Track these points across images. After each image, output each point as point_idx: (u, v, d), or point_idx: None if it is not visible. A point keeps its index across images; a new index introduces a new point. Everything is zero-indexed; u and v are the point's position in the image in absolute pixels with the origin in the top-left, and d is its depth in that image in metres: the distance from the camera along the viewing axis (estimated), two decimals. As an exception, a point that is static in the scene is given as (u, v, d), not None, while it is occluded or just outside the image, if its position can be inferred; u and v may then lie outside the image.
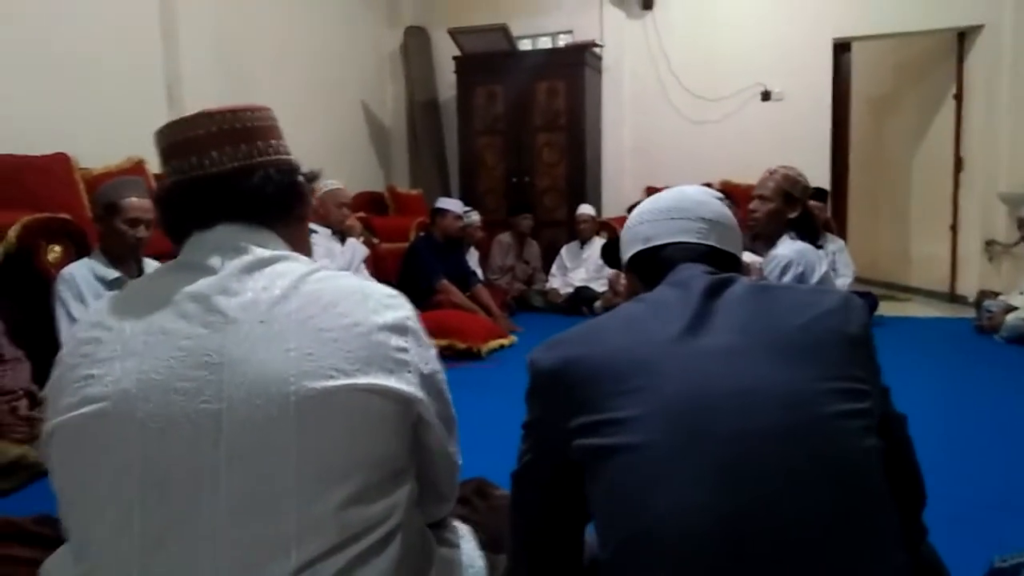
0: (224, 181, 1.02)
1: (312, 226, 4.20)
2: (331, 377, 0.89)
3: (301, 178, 1.11)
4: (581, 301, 5.71)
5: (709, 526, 0.81)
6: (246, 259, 0.97)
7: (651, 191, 6.33)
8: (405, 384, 0.95)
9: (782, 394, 0.87)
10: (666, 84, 6.75)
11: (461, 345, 4.05)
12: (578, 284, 5.95)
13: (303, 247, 1.12)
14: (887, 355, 3.77)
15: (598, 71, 6.78)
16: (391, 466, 0.95)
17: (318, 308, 0.94)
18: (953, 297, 6.28)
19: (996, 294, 5.15)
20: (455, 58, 6.74)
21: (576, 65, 6.46)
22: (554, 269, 6.24)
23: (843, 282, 5.33)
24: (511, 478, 1.08)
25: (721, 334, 0.93)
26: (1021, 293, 4.84)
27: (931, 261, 6.61)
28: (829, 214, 5.87)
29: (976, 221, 6.09)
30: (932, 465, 2.53)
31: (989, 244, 5.97)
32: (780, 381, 0.88)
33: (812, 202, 5.42)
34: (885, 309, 5.54)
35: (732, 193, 5.87)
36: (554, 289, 6.04)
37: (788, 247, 2.61)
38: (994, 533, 1.88)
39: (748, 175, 6.30)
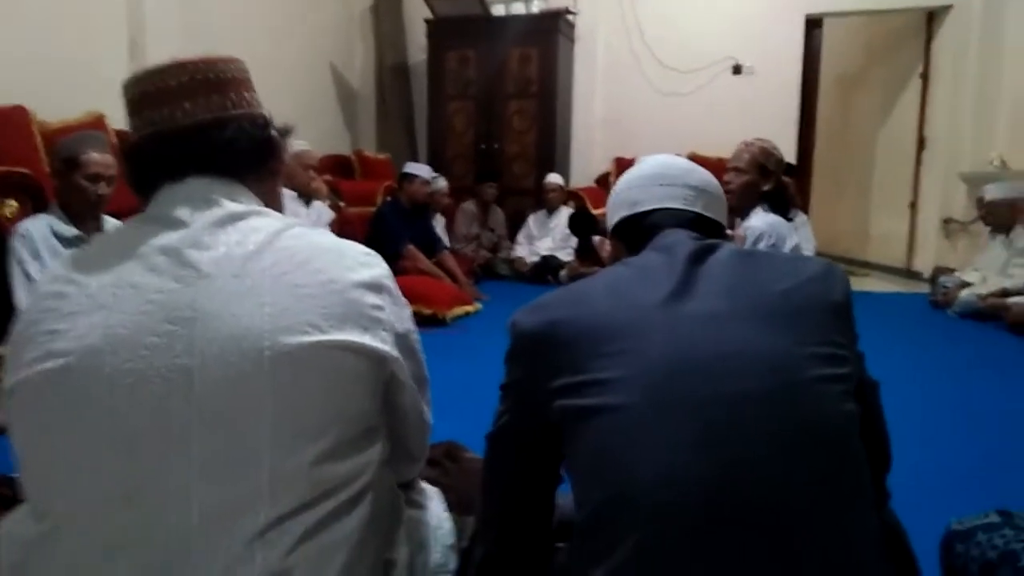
0: (197, 133, 0.99)
1: (278, 187, 4.13)
2: (306, 333, 0.88)
3: (274, 132, 1.09)
4: (547, 270, 5.72)
5: (690, 489, 0.82)
6: (218, 213, 0.95)
7: (620, 162, 6.37)
8: (380, 342, 0.94)
9: (765, 358, 0.87)
10: (639, 55, 6.72)
11: (426, 311, 4.03)
12: (544, 253, 5.95)
13: (276, 203, 1.10)
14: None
15: (571, 39, 6.72)
16: (364, 423, 0.94)
17: (293, 264, 0.92)
18: (910, 273, 6.42)
19: (951, 271, 5.28)
20: (427, 21, 6.63)
21: (549, 32, 6.39)
22: (520, 237, 6.23)
23: (805, 255, 5.42)
24: (486, 439, 1.08)
25: (706, 299, 0.93)
26: (975, 270, 4.96)
27: (890, 238, 6.75)
28: (794, 189, 5.93)
29: (935, 199, 6.21)
30: (890, 434, 2.60)
31: (947, 222, 6.10)
32: (763, 346, 0.88)
33: (786, 177, 5.53)
34: (845, 284, 5.62)
35: (702, 165, 5.91)
36: (520, 258, 6.04)
37: (760, 219, 2.65)
38: (947, 500, 1.94)
39: (717, 148, 6.35)
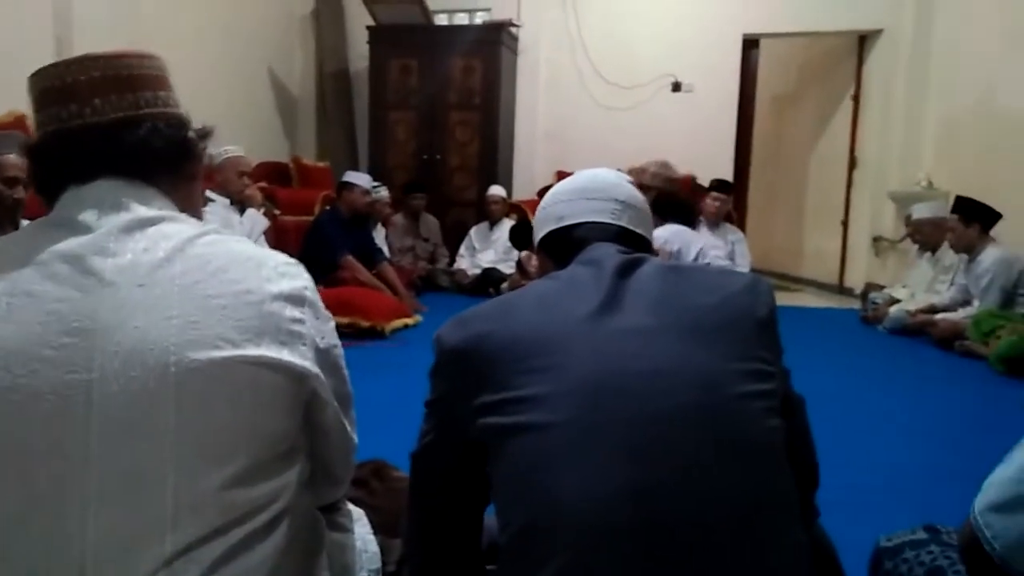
0: (107, 132, 0.93)
1: (209, 194, 4.01)
2: (217, 347, 0.83)
3: (192, 134, 1.03)
4: (489, 283, 5.69)
5: (615, 510, 0.80)
6: (126, 217, 0.89)
7: (562, 175, 6.39)
8: (299, 358, 0.89)
9: (692, 375, 0.86)
10: (581, 69, 6.78)
11: (364, 323, 3.96)
12: (486, 265, 5.93)
13: (193, 208, 1.04)
14: (784, 342, 3.87)
15: (514, 52, 6.75)
16: (281, 445, 0.90)
17: (206, 273, 0.87)
18: (841, 289, 6.60)
19: (881, 287, 5.45)
20: (369, 28, 6.57)
21: (493, 44, 6.40)
22: (462, 250, 6.20)
23: (740, 271, 5.51)
24: (410, 458, 1.04)
25: (633, 314, 0.92)
26: (904, 286, 5.12)
27: (822, 254, 6.92)
28: (731, 206, 6.04)
29: (866, 217, 6.41)
30: (819, 450, 2.63)
31: (877, 240, 6.30)
32: (690, 362, 0.87)
33: (715, 193, 5.63)
34: (778, 299, 5.60)
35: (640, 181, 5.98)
36: (462, 270, 6.00)
37: (665, 228, 2.93)
38: (877, 515, 1.97)
39: (657, 164, 6.45)
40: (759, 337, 0.92)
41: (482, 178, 6.42)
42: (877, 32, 6.24)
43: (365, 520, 1.15)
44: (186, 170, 1.02)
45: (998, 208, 4.30)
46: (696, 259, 3.39)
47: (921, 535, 1.06)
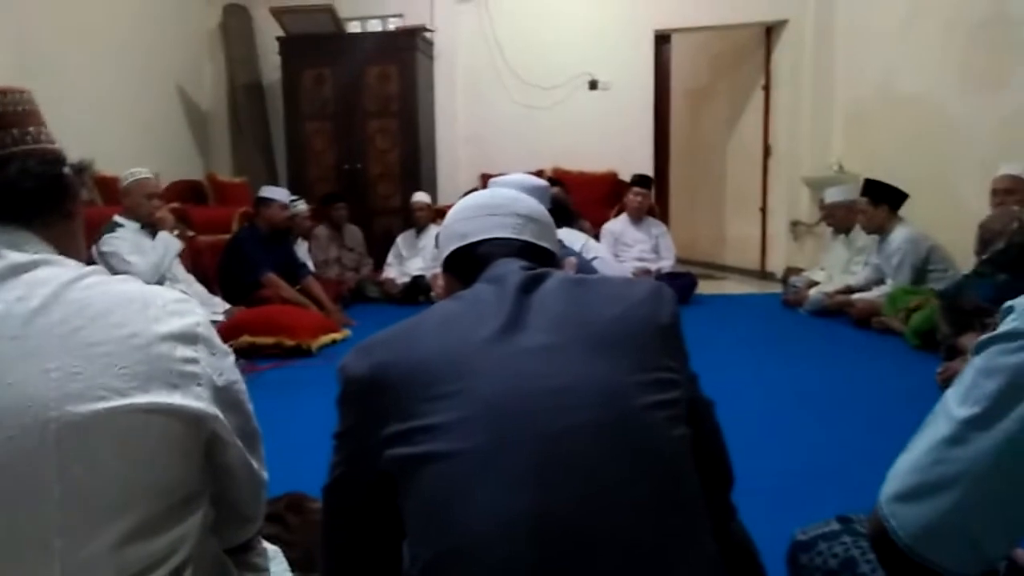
0: None
1: (118, 219, 3.87)
2: (101, 398, 0.79)
3: (68, 170, 0.98)
4: (418, 291, 5.65)
5: (521, 533, 0.79)
6: None
7: (486, 178, 6.38)
8: (194, 400, 0.85)
9: (596, 390, 0.86)
10: (499, 71, 6.79)
11: (289, 342, 3.87)
12: (415, 273, 5.87)
13: (74, 249, 0.99)
14: (705, 331, 4.00)
15: (430, 57, 6.71)
16: (179, 493, 0.86)
17: (86, 319, 0.82)
18: (764, 274, 6.78)
19: (800, 270, 5.61)
20: (279, 39, 6.45)
21: (407, 50, 6.36)
22: (390, 258, 6.13)
23: (666, 264, 5.63)
24: (322, 492, 1.01)
25: (536, 331, 0.91)
26: (822, 269, 5.29)
27: (744, 241, 7.10)
28: (653, 200, 6.14)
29: (783, 203, 6.59)
30: (744, 439, 2.68)
31: (794, 225, 6.49)
32: (594, 376, 0.87)
33: (636, 188, 5.72)
34: (703, 288, 5.87)
35: (563, 179, 6.02)
36: (390, 279, 5.93)
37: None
38: (801, 502, 2.02)
39: (579, 161, 6.53)
40: (663, 345, 0.93)
41: (405, 185, 6.37)
42: (782, 23, 6.43)
43: (281, 558, 1.12)
44: (63, 208, 0.97)
45: (905, 188, 4.48)
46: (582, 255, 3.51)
47: (834, 526, 1.08)
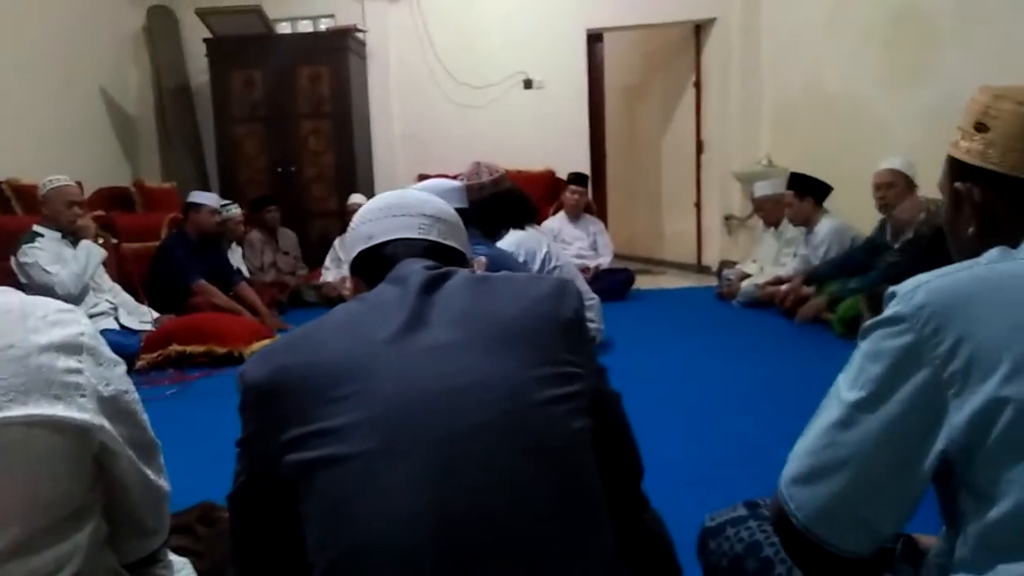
0: None
1: (38, 229, 3.75)
2: (-24, 413, 0.75)
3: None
4: (356, 293, 5.57)
5: (421, 535, 0.79)
6: None
7: (423, 178, 6.35)
8: (77, 411, 0.82)
9: (497, 386, 0.86)
10: (433, 70, 6.76)
11: (220, 350, 3.78)
12: (353, 276, 5.79)
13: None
14: (641, 325, 4.03)
15: (363, 56, 6.65)
16: (66, 507, 0.83)
17: (-40, 333, 0.79)
18: (700, 268, 6.89)
19: (734, 263, 5.72)
20: (206, 41, 6.31)
21: (339, 50, 6.29)
22: (328, 262, 6.04)
23: (604, 260, 5.67)
24: (227, 501, 0.99)
25: (437, 330, 0.91)
26: (754, 261, 5.40)
27: (680, 236, 7.21)
28: (590, 197, 6.19)
29: (716, 198, 6.72)
30: (670, 428, 2.71)
31: (727, 218, 6.62)
32: (495, 373, 0.87)
33: (573, 187, 5.75)
34: (641, 283, 5.95)
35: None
36: (328, 283, 5.85)
37: (507, 239, 2.87)
38: (727, 490, 2.04)
39: (516, 160, 6.52)
40: (564, 340, 0.93)
41: (341, 187, 6.29)
42: (711, 21, 6.54)
43: (190, 569, 1.09)
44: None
45: (829, 181, 4.60)
46: (543, 265, 3.40)
47: (741, 511, 1.10)
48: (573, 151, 6.66)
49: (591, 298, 3.86)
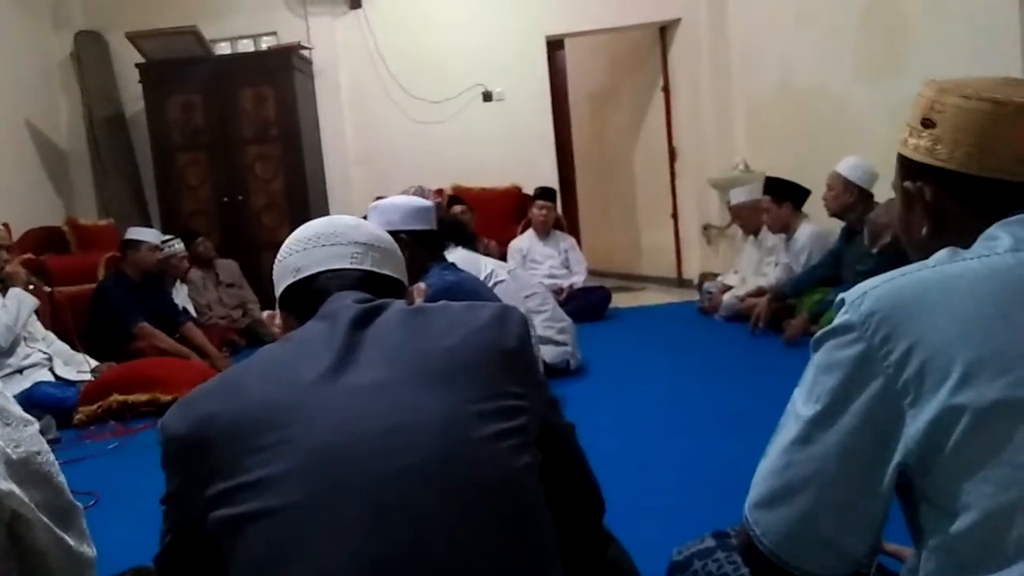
0: None
1: (-40, 277, 3.69)
2: None
3: None
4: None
5: None
6: None
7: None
8: (-17, 477, 0.82)
9: (433, 425, 0.87)
10: (387, 87, 6.79)
11: (166, 398, 3.73)
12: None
13: None
14: (618, 346, 4.03)
15: (310, 75, 6.68)
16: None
17: None
18: (681, 282, 6.95)
19: (715, 275, 5.77)
20: (139, 66, 6.30)
21: (283, 70, 6.31)
22: (283, 295, 5.99)
23: (577, 279, 5.70)
24: (154, 563, 0.98)
25: (369, 368, 0.92)
26: (735, 272, 5.46)
27: (658, 249, 7.27)
28: (560, 212, 6.24)
29: (693, 208, 6.80)
30: (649, 455, 2.71)
31: (706, 228, 6.69)
32: (431, 411, 0.88)
33: (540, 202, 5.78)
34: (620, 300, 5.98)
35: (464, 197, 6.05)
36: (284, 318, 5.80)
37: (449, 256, 2.96)
38: (706, 519, 2.05)
39: (480, 178, 6.56)
40: (507, 371, 0.94)
41: (294, 215, 6.26)
42: (675, 22, 6.65)
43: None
44: None
45: (807, 184, 4.67)
46: (487, 282, 3.43)
47: (709, 543, 1.11)
48: (539, 164, 6.71)
49: (562, 321, 3.89)
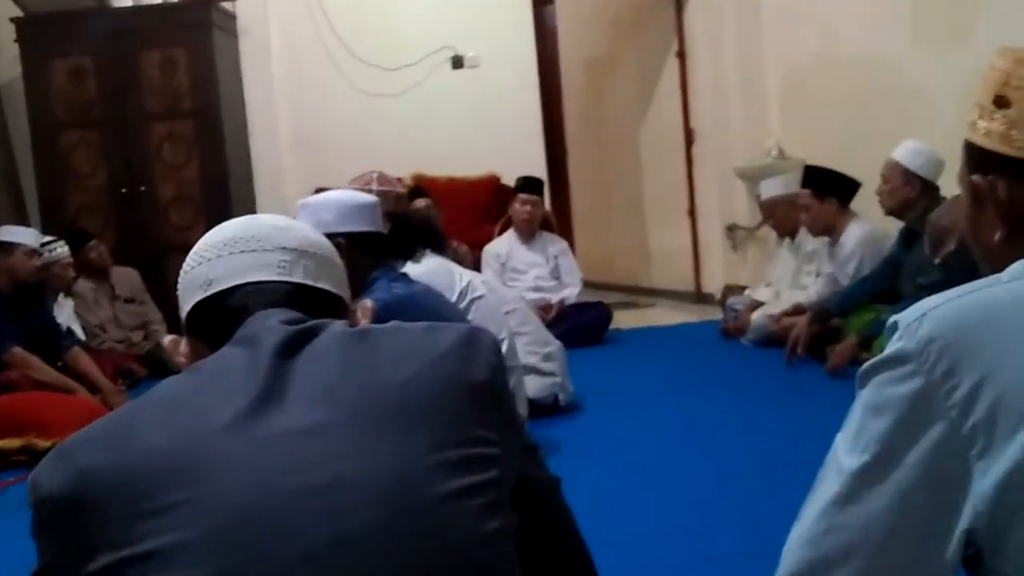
0: None
1: None
2: None
3: None
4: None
5: None
6: None
7: (321, 192, 6.35)
8: None
9: (380, 483, 0.86)
10: (331, 51, 6.83)
11: (44, 443, 3.69)
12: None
13: None
14: (624, 378, 4.05)
15: (233, 34, 6.72)
16: None
17: None
18: (700, 296, 6.99)
19: (742, 288, 5.80)
20: (15, 20, 6.31)
21: (199, 27, 6.36)
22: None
23: (570, 293, 5.71)
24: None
25: (297, 408, 0.91)
26: (767, 285, 5.48)
27: (672, 254, 7.30)
28: (548, 208, 6.25)
29: (715, 203, 6.84)
30: (666, 515, 2.72)
31: (731, 229, 6.72)
32: (377, 464, 0.87)
33: (523, 196, 5.79)
34: (623, 320, 6.01)
35: (428, 189, 6.04)
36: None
37: (418, 268, 3.00)
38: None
39: (448, 165, 6.55)
40: (475, 411, 0.93)
41: (211, 212, 6.27)
42: (693, -28, 6.72)
43: None
44: None
45: (855, 175, 4.70)
46: (461, 298, 3.38)
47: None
48: (523, 148, 6.74)
49: (549, 344, 3.88)
